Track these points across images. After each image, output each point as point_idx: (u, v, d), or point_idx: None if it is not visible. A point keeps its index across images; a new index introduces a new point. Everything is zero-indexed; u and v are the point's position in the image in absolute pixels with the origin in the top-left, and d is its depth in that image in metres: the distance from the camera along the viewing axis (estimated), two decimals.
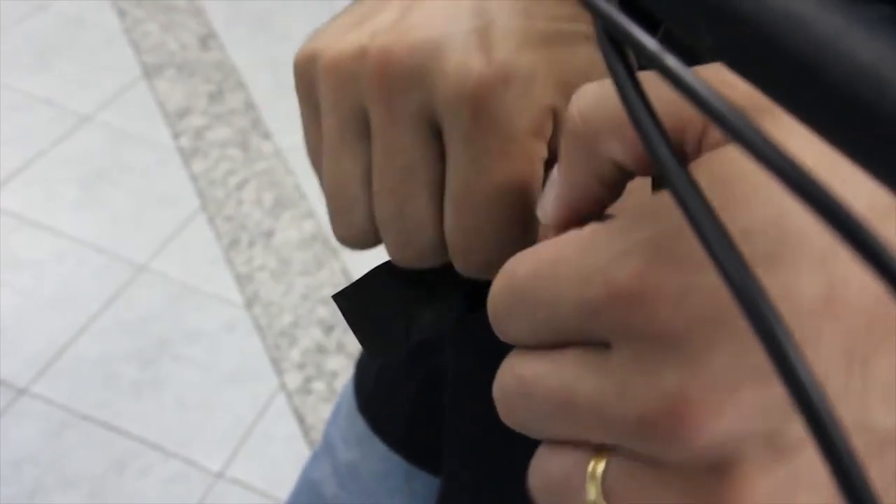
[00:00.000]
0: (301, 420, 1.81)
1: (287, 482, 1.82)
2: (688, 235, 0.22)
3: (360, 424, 0.68)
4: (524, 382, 0.27)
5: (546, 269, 0.26)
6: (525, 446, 0.30)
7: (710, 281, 0.23)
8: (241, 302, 1.99)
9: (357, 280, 0.36)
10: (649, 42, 0.19)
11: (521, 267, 0.27)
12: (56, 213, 2.10)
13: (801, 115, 0.17)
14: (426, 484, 0.67)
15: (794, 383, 0.17)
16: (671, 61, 0.18)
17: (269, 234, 2.17)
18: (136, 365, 1.84)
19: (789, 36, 0.16)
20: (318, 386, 1.87)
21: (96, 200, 2.15)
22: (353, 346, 1.90)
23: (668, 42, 0.19)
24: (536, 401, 0.27)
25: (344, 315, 0.36)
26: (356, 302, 0.36)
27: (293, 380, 1.86)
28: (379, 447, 0.68)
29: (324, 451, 0.73)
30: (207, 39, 2.70)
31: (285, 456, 1.74)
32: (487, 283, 0.31)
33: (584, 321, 0.25)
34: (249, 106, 2.50)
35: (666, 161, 0.20)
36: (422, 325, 0.35)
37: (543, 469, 0.28)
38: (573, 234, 0.26)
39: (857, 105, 0.15)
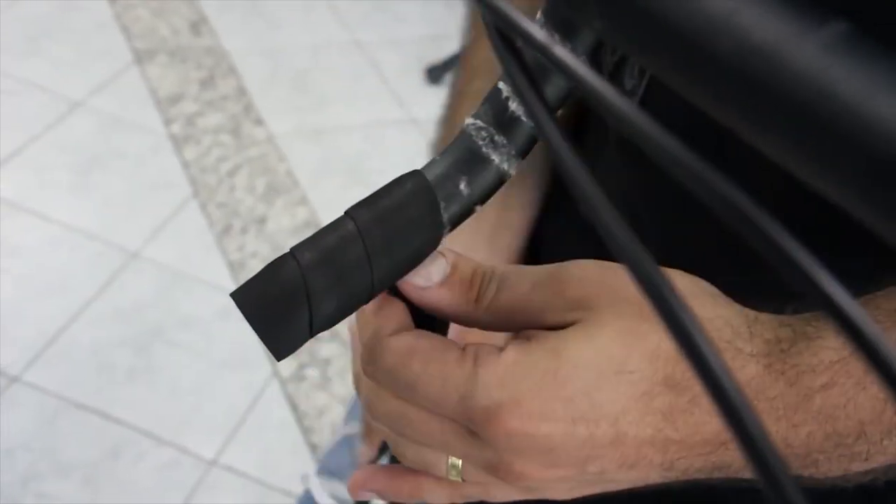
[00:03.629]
0: (294, 407, 1.81)
1: (281, 469, 1.82)
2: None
3: None
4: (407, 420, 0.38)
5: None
6: None
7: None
8: (233, 288, 1.98)
9: (254, 275, 0.35)
10: (538, 33, 0.19)
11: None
12: (48, 200, 2.09)
13: (691, 94, 0.17)
14: None
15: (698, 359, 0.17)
16: (559, 51, 0.19)
17: (261, 221, 2.17)
18: (130, 352, 1.84)
19: (681, 16, 0.16)
20: (312, 373, 1.87)
21: (88, 187, 2.14)
22: (347, 333, 1.90)
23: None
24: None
25: (243, 313, 0.35)
26: (255, 299, 0.35)
27: (287, 367, 1.86)
28: None
29: (343, 441, 0.75)
30: (199, 25, 2.69)
31: (279, 443, 1.75)
32: (393, 270, 0.33)
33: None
34: (241, 92, 2.49)
35: (558, 147, 0.20)
36: (324, 316, 0.34)
37: (416, 451, 0.39)
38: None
39: (749, 83, 0.15)
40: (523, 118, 0.34)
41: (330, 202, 2.23)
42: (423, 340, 0.36)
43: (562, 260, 0.38)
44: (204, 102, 2.44)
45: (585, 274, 0.37)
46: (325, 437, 1.75)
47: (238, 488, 1.68)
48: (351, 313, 0.35)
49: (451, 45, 2.64)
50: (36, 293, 1.90)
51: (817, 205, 0.23)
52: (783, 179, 0.21)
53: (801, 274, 0.14)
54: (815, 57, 0.14)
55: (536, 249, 0.66)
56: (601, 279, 0.36)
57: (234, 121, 2.41)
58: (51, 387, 1.76)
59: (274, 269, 0.34)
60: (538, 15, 0.31)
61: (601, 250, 0.28)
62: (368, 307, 0.37)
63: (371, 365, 0.37)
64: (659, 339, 0.34)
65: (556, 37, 0.17)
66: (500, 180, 0.36)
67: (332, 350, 1.92)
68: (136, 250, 2.02)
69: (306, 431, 1.77)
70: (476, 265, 0.38)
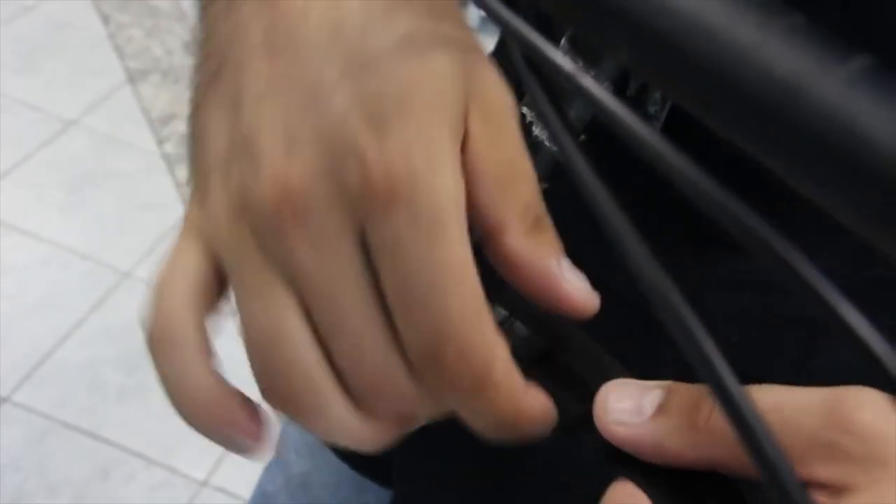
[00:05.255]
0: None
1: None
2: None
3: (312, 436, 0.68)
4: None
5: None
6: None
7: None
8: (225, 310, 1.98)
9: None
10: (563, 60, 0.19)
11: None
12: (41, 218, 2.09)
13: (718, 125, 0.17)
14: (377, 495, 0.66)
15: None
16: (584, 79, 0.19)
17: None
18: (121, 372, 1.83)
19: (705, 48, 0.16)
20: None
21: (81, 206, 2.14)
22: None
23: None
24: None
25: None
26: None
27: None
28: (330, 458, 0.67)
29: (276, 462, 0.72)
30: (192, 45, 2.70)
31: None
32: None
33: None
34: None
35: (581, 173, 0.20)
36: None
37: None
38: None
39: (773, 115, 0.15)
40: (546, 143, 0.34)
41: None
42: None
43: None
44: None
45: (880, 415, 0.27)
46: None
47: None
48: None
49: None
50: (27, 312, 1.89)
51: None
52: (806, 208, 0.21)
53: (831, 312, 0.15)
54: (838, 91, 0.14)
55: None
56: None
57: None
58: (41, 406, 1.75)
59: None
60: (562, 41, 0.31)
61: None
62: None
63: None
64: None
65: (581, 63, 0.18)
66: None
67: None
68: (128, 269, 2.02)
69: None
70: (695, 387, 0.30)
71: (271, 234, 0.28)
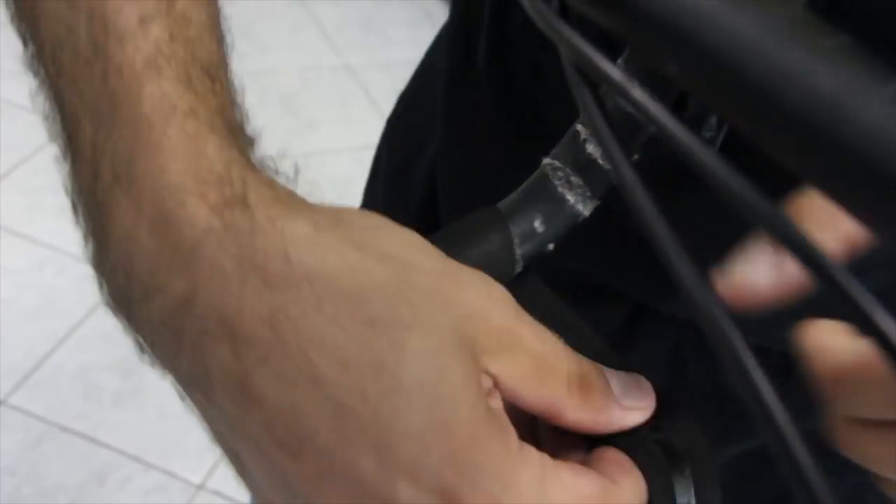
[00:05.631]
0: None
1: None
2: None
3: None
4: None
5: None
6: None
7: None
8: None
9: None
10: (616, 74, 0.19)
11: None
12: (36, 222, 2.08)
13: (762, 141, 0.17)
14: None
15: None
16: (637, 93, 0.19)
17: None
18: (117, 375, 1.83)
19: (753, 66, 0.16)
20: None
21: None
22: None
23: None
24: None
25: None
26: None
27: None
28: None
29: None
30: None
31: None
32: None
33: None
34: None
35: (634, 192, 0.20)
36: None
37: None
38: None
39: (817, 133, 0.16)
40: (600, 161, 0.35)
41: None
42: None
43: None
44: None
45: None
46: None
47: None
48: None
49: None
50: (22, 316, 1.89)
51: None
52: None
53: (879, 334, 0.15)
54: (882, 111, 0.14)
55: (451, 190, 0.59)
56: None
57: None
58: (37, 410, 1.74)
59: None
60: (619, 61, 0.32)
61: None
62: None
63: None
64: None
65: (636, 83, 0.18)
66: (575, 221, 0.36)
67: None
68: None
69: None
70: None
71: None
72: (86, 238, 0.33)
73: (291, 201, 0.31)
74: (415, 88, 0.67)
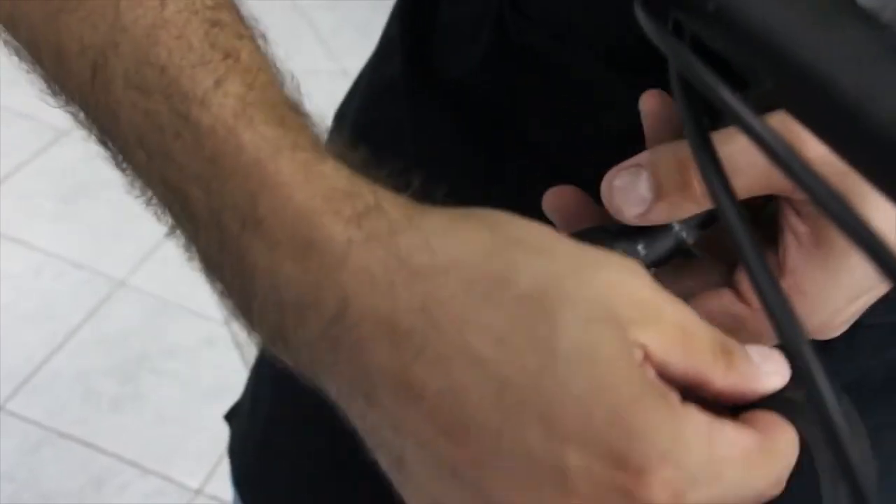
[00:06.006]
0: None
1: None
2: None
3: None
4: None
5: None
6: None
7: None
8: (220, 318, 1.98)
9: None
10: (723, 89, 0.20)
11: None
12: (34, 227, 2.08)
13: (848, 156, 0.18)
14: None
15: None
16: (726, 94, 0.20)
17: None
18: (115, 380, 1.83)
19: (842, 84, 0.17)
20: None
21: (75, 215, 2.14)
22: None
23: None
24: None
25: None
26: None
27: None
28: None
29: None
30: None
31: None
32: None
33: None
34: None
35: (720, 193, 0.21)
36: None
37: None
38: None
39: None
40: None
41: None
42: None
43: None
44: None
45: None
46: None
47: None
48: None
49: None
50: (21, 321, 1.89)
51: None
52: None
53: None
54: None
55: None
56: None
57: None
58: (35, 416, 1.74)
59: None
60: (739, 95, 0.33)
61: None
62: None
63: None
64: None
65: (728, 88, 0.19)
66: (678, 247, 0.37)
67: None
68: (122, 278, 2.02)
69: None
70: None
71: None
72: (223, 297, 0.35)
73: (419, 204, 0.32)
74: (364, 107, 0.66)
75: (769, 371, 0.32)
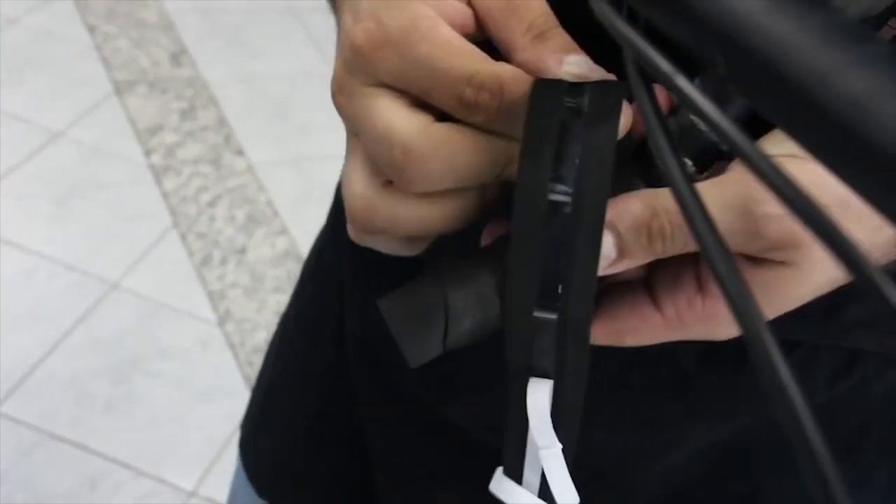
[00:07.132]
0: None
1: None
2: None
3: None
4: None
5: None
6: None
7: None
8: (213, 319, 1.98)
9: (402, 287, 0.37)
10: (665, 65, 0.21)
11: None
12: (27, 230, 2.08)
13: (800, 139, 0.18)
14: None
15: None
16: (682, 82, 0.21)
17: (241, 251, 2.17)
18: (108, 382, 1.83)
19: (792, 67, 0.18)
20: None
21: (68, 217, 2.14)
22: None
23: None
24: None
25: (387, 320, 0.37)
26: (399, 308, 0.37)
27: None
28: None
29: None
30: (179, 56, 2.70)
31: None
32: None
33: None
34: (221, 122, 2.50)
35: (674, 176, 0.21)
36: (458, 334, 0.37)
37: None
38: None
39: (851, 133, 0.17)
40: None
41: (310, 232, 2.23)
42: None
43: None
44: (184, 133, 2.45)
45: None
46: None
47: None
48: (483, 338, 0.37)
49: None
50: (13, 323, 1.89)
51: None
52: None
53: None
54: None
55: None
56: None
57: (215, 151, 2.41)
58: (28, 418, 1.75)
59: (420, 287, 0.37)
60: (696, 81, 0.33)
61: None
62: None
63: None
64: None
65: (683, 75, 0.20)
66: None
67: None
68: (115, 280, 2.02)
69: None
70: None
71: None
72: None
73: None
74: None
75: (570, 61, 0.35)
